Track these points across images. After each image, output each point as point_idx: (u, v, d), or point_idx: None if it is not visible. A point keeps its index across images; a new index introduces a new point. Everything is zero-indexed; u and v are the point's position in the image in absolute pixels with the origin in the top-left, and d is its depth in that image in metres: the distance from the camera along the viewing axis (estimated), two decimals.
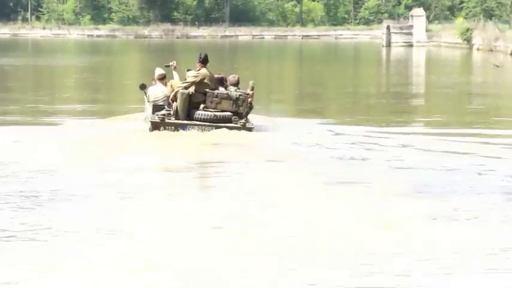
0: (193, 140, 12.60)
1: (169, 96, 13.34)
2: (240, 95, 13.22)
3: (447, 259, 6.52)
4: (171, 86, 13.46)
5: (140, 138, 13.01)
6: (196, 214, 8.04)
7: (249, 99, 13.37)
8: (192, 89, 13.19)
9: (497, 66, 39.17)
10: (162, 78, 14.08)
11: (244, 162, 11.08)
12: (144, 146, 12.41)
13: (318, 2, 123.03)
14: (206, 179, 10.39)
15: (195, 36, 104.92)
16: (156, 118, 13.05)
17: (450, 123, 16.62)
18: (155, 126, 13.03)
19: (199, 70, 13.35)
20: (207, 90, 13.24)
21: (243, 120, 13.07)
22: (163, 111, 13.24)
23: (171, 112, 13.15)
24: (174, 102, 13.15)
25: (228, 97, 13.19)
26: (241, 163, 11.04)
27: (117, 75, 36.74)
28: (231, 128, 13.01)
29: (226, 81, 13.73)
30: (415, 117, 18.21)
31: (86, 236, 7.12)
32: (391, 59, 55.66)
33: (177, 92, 13.15)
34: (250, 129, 13.02)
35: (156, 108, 13.42)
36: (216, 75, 13.63)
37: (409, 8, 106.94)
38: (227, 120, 13.06)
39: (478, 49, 62.31)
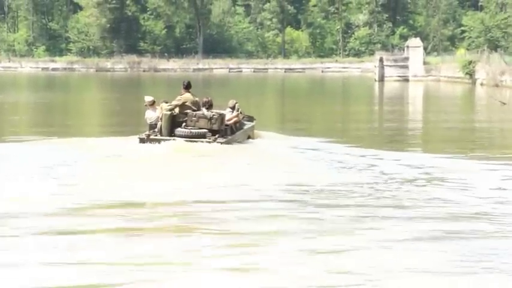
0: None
1: (158, 117, 18.31)
2: (213, 115, 17.78)
3: None
4: (161, 108, 18.32)
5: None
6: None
7: (235, 119, 18.86)
8: (177, 110, 18.02)
9: (504, 103, 39.31)
10: (152, 104, 18.99)
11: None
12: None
13: (302, 31, 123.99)
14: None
15: (165, 69, 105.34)
16: (143, 135, 18.08)
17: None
18: (142, 141, 17.95)
19: (182, 95, 18.19)
20: (188, 111, 17.86)
21: (215, 136, 17.55)
22: (153, 130, 18.24)
23: (156, 130, 18.10)
24: (159, 121, 18.07)
25: (204, 116, 17.75)
26: None
27: (74, 115, 36.48)
28: (202, 141, 17.38)
29: (210, 104, 18.26)
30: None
31: None
32: (384, 96, 55.89)
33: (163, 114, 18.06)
34: (220, 143, 17.39)
35: (151, 127, 18.57)
36: (204, 99, 18.36)
37: (404, 38, 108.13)
38: (202, 136, 17.63)
39: (481, 84, 62.82)
